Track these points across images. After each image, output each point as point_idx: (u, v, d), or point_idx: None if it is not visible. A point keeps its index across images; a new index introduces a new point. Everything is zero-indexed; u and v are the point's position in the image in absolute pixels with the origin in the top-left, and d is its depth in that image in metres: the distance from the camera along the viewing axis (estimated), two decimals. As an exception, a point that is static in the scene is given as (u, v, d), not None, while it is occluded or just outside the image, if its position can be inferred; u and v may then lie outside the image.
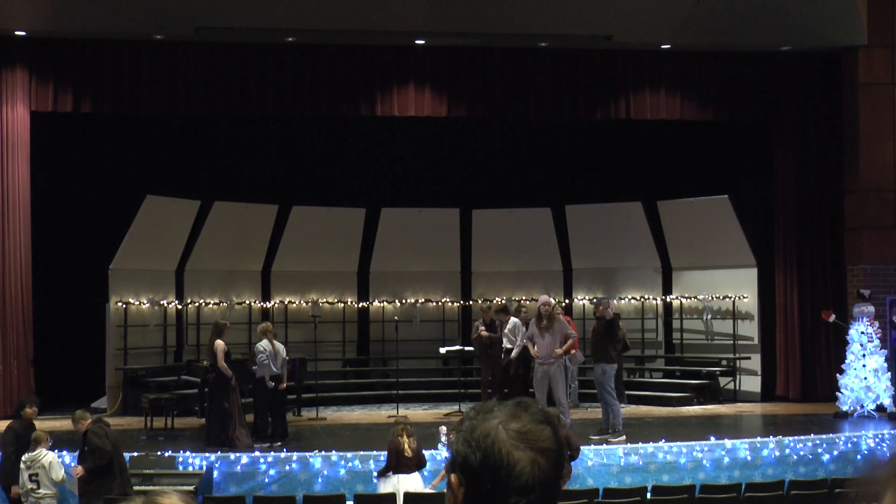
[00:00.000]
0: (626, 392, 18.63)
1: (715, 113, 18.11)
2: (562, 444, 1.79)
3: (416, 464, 11.43)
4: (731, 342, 19.10)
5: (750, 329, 19.02)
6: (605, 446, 13.13)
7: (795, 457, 13.28)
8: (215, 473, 12.44)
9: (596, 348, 14.25)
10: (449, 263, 20.87)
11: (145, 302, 18.36)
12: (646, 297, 20.29)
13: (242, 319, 19.35)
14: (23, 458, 11.00)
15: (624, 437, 13.61)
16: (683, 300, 19.92)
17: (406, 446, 11.36)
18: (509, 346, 16.26)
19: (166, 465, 12.25)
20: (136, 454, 12.30)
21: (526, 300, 18.96)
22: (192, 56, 16.76)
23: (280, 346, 14.59)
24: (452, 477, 1.78)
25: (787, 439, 13.48)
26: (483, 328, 16.90)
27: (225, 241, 19.21)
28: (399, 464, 11.34)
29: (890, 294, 17.29)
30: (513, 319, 16.33)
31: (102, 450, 10.80)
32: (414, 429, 11.65)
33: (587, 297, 20.14)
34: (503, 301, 18.20)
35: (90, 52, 16.50)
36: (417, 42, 17.13)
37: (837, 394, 16.19)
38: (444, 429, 13.11)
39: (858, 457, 13.52)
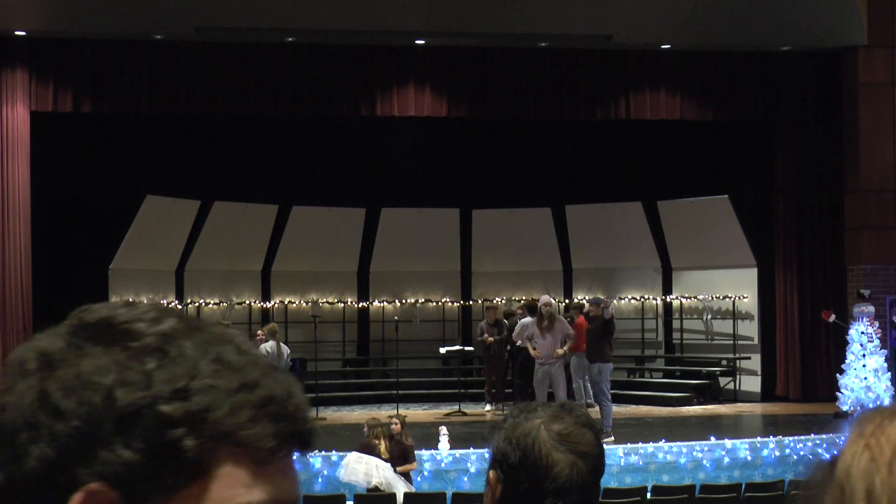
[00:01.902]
0: (627, 392, 18.64)
1: (715, 113, 18.10)
2: (602, 448, 1.79)
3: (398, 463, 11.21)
4: (731, 342, 19.10)
5: (750, 329, 19.01)
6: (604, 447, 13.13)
7: (795, 457, 13.28)
8: (215, 473, 12.42)
9: (592, 348, 14.25)
10: (449, 263, 20.87)
11: (145, 302, 18.35)
12: (646, 297, 20.29)
13: (242, 319, 19.35)
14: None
15: (612, 438, 13.61)
16: (683, 300, 19.92)
17: (382, 449, 11.14)
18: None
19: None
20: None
21: (531, 300, 18.95)
22: (192, 56, 16.76)
23: (285, 349, 14.64)
24: (491, 473, 1.77)
25: (787, 439, 13.48)
26: (486, 333, 16.92)
27: (225, 241, 19.21)
28: None
29: (890, 294, 17.28)
30: (525, 319, 16.27)
31: None
32: (387, 429, 11.32)
33: (586, 298, 20.14)
34: (531, 299, 18.16)
35: (90, 52, 16.50)
36: (417, 42, 17.13)
37: (837, 394, 16.19)
38: (443, 429, 13.11)
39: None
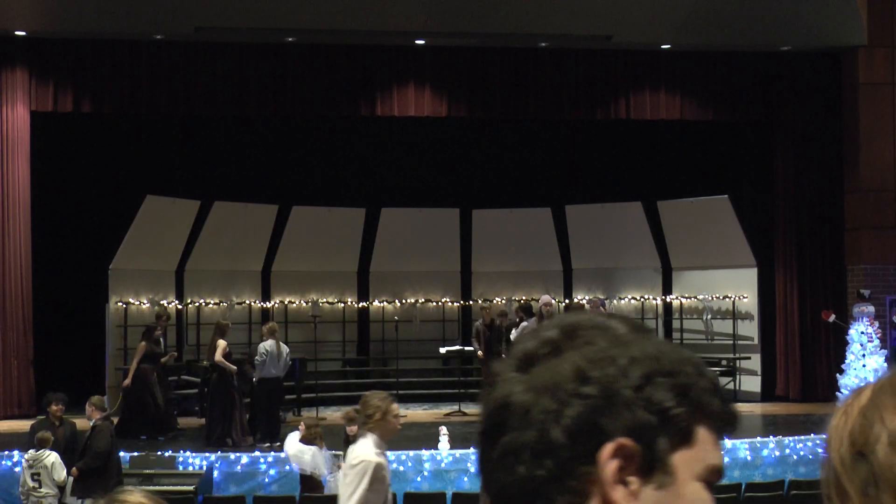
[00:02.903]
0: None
1: (715, 113, 18.11)
2: None
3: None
4: (731, 342, 19.10)
5: (750, 329, 19.01)
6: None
7: (795, 457, 13.28)
8: (215, 473, 12.44)
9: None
10: (449, 263, 20.87)
11: (145, 302, 18.36)
12: (646, 297, 20.28)
13: (242, 319, 19.34)
14: (25, 457, 11.03)
15: None
16: (683, 300, 19.92)
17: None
18: None
19: (166, 465, 12.25)
20: (136, 454, 12.30)
21: (525, 300, 18.94)
22: (192, 56, 16.77)
23: (285, 348, 14.62)
24: None
25: (787, 439, 13.48)
26: (481, 334, 16.92)
27: (225, 241, 19.20)
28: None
29: (890, 294, 17.29)
30: (524, 323, 16.24)
31: (101, 453, 10.86)
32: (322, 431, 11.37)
33: (586, 298, 20.15)
34: (526, 300, 18.16)
35: (90, 52, 16.50)
36: (417, 42, 17.13)
37: (837, 394, 16.18)
38: (444, 429, 13.11)
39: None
